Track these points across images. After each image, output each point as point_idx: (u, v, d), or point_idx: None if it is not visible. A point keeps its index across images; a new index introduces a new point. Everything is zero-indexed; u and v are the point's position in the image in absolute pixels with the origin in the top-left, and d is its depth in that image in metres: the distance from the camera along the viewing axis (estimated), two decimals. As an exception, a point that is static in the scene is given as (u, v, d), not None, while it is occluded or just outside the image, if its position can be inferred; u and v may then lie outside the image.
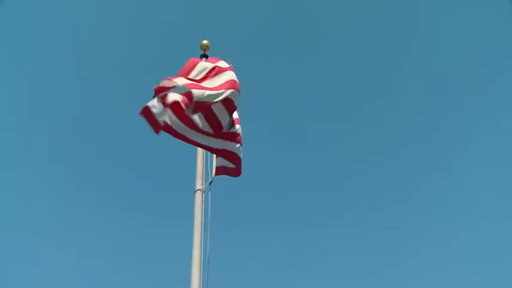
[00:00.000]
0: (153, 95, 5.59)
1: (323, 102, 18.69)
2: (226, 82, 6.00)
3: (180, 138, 5.94)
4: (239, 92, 6.11)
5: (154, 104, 5.45)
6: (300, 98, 18.57)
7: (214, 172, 6.46)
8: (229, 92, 5.95)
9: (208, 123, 6.13)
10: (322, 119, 18.32)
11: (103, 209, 16.18)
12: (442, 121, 17.23)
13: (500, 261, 13.85)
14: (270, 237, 16.16)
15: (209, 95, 5.80)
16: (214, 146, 6.26)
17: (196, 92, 5.70)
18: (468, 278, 14.08)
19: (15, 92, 15.82)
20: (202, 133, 6.10)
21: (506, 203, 14.77)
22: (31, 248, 14.23)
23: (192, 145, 6.13)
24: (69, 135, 16.71)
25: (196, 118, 6.01)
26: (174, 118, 5.78)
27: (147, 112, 5.42)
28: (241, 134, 6.50)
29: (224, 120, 6.15)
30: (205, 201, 6.04)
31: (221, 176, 6.59)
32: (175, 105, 5.62)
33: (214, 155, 6.55)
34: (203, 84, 5.93)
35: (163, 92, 5.59)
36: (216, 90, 5.87)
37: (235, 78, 6.09)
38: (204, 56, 6.64)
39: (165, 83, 5.62)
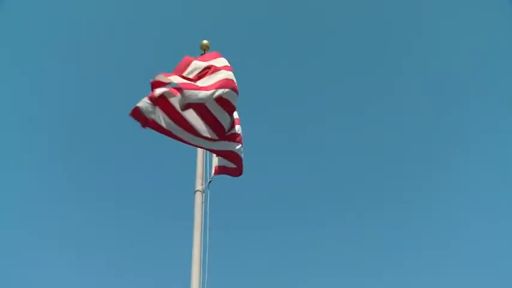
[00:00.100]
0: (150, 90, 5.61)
1: (323, 102, 18.71)
2: (219, 81, 5.90)
3: (169, 136, 5.88)
4: (236, 91, 6.04)
5: (143, 101, 5.48)
6: (299, 98, 18.59)
7: (213, 172, 6.46)
8: (221, 91, 5.86)
9: (209, 127, 6.07)
10: (322, 119, 18.35)
11: (103, 209, 16.20)
12: (442, 121, 17.25)
13: (500, 261, 13.87)
14: (270, 237, 16.19)
15: (201, 98, 5.77)
16: (216, 148, 6.25)
17: (189, 93, 5.67)
18: (468, 278, 14.10)
19: (15, 92, 15.84)
20: (203, 138, 6.07)
21: (506, 203, 14.79)
22: (31, 248, 14.25)
23: (185, 144, 6.09)
24: (69, 135, 16.73)
25: (193, 119, 5.96)
26: (167, 119, 5.76)
27: (136, 112, 5.45)
28: (241, 135, 6.50)
29: (225, 122, 6.13)
30: (205, 201, 6.04)
31: (221, 176, 6.59)
32: (163, 103, 5.58)
33: (214, 155, 6.56)
34: (197, 83, 5.86)
35: (159, 87, 5.60)
36: (208, 90, 5.79)
37: (230, 77, 6.01)
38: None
39: (161, 78, 5.62)
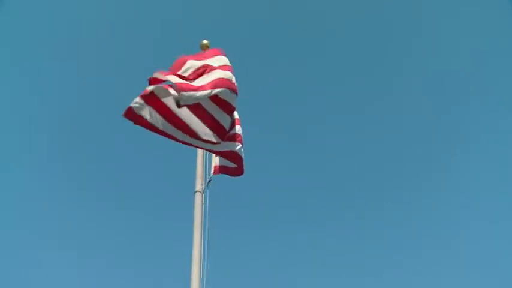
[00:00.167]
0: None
1: (323, 102, 18.72)
2: (214, 80, 5.82)
3: (164, 135, 5.79)
4: (233, 90, 6.01)
5: (135, 101, 5.43)
6: (299, 98, 18.60)
7: (212, 171, 6.46)
8: (216, 90, 5.81)
9: (211, 129, 6.01)
10: (322, 119, 18.35)
11: (103, 209, 16.21)
12: (442, 121, 17.25)
13: (500, 261, 13.87)
14: (270, 237, 16.19)
15: (197, 97, 5.72)
16: (217, 149, 6.24)
17: (186, 95, 5.63)
18: (468, 278, 14.10)
19: (15, 92, 15.84)
20: (204, 141, 6.05)
21: (506, 203, 14.78)
22: (31, 248, 14.25)
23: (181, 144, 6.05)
24: (69, 135, 16.74)
25: (191, 121, 5.89)
26: (162, 119, 5.68)
27: (130, 112, 5.42)
28: (241, 135, 6.48)
29: (225, 122, 6.12)
30: (204, 201, 6.05)
31: (221, 176, 6.60)
32: (156, 102, 5.54)
33: (213, 154, 6.55)
34: (193, 83, 5.77)
35: (156, 84, 5.58)
36: (204, 89, 5.70)
37: (226, 76, 5.94)
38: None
39: (159, 76, 5.61)
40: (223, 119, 6.10)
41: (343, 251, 15.70)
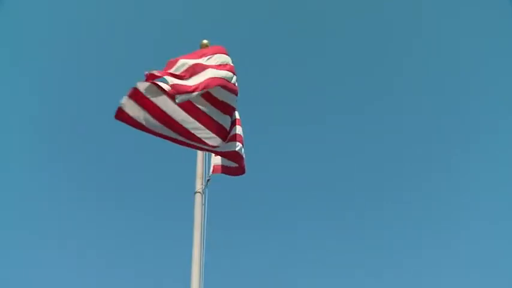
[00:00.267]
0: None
1: (323, 102, 18.72)
2: (206, 80, 5.75)
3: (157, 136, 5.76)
4: (230, 90, 5.98)
5: (124, 102, 5.41)
6: (299, 98, 18.60)
7: (211, 170, 6.45)
8: (208, 89, 5.80)
9: (212, 131, 5.98)
10: (322, 118, 18.35)
11: (103, 209, 16.21)
12: (442, 121, 17.25)
13: (500, 261, 13.87)
14: (270, 237, 16.18)
15: (192, 98, 5.72)
16: (217, 150, 6.23)
17: (179, 97, 5.61)
18: (468, 278, 14.09)
19: (15, 92, 15.84)
20: (205, 145, 6.03)
21: (506, 203, 14.78)
22: (31, 248, 14.24)
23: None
24: (69, 135, 16.73)
25: (191, 124, 5.88)
26: (153, 120, 5.62)
27: (121, 114, 5.41)
28: (242, 136, 6.47)
29: (225, 123, 6.11)
30: (204, 201, 6.05)
31: (221, 176, 6.60)
32: (147, 103, 5.49)
33: (213, 154, 6.55)
34: (187, 82, 5.70)
35: (153, 79, 5.55)
36: (197, 91, 5.64)
37: (219, 75, 5.89)
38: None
39: (156, 73, 5.61)
40: (223, 120, 6.09)
41: (343, 251, 15.71)
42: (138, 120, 5.51)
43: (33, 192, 15.51)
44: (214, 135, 6.01)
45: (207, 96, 5.94)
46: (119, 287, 14.22)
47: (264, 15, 18.70)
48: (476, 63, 16.95)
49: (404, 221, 16.42)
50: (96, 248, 14.99)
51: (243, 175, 6.61)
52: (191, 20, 17.87)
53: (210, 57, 6.10)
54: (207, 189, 6.12)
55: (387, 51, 18.14)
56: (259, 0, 19.10)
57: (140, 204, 16.49)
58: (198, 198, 6.00)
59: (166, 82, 5.54)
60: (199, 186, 6.08)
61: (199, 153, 6.34)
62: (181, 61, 5.81)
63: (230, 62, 6.20)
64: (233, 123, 6.30)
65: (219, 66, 6.03)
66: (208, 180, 6.20)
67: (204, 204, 6.01)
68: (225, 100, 6.05)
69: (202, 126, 5.93)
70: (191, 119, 5.85)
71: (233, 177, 6.67)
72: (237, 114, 6.44)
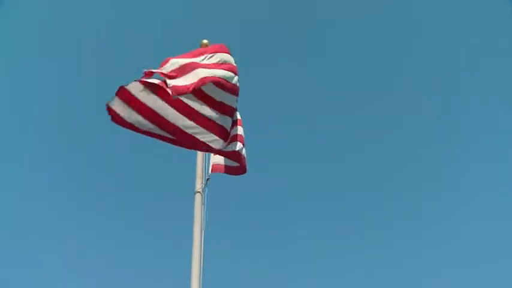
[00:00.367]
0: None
1: (322, 102, 18.71)
2: (197, 81, 5.68)
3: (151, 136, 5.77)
4: (227, 89, 5.94)
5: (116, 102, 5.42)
6: (299, 98, 18.58)
7: (211, 169, 6.44)
8: (204, 88, 5.78)
9: (215, 134, 5.98)
10: (321, 119, 18.35)
11: (103, 209, 16.21)
12: (442, 121, 17.25)
13: (500, 261, 13.87)
14: (270, 237, 16.19)
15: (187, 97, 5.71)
16: (220, 151, 6.22)
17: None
18: (468, 278, 14.09)
19: (15, 92, 15.83)
20: (209, 148, 6.01)
21: (506, 203, 14.78)
22: (31, 248, 14.24)
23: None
24: (69, 135, 16.72)
25: (193, 129, 5.86)
26: (143, 120, 5.61)
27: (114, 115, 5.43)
28: (243, 136, 6.44)
29: (226, 124, 6.10)
30: (204, 200, 6.05)
31: (221, 176, 6.60)
32: (133, 101, 5.47)
33: (212, 154, 6.54)
34: (174, 82, 5.64)
35: (150, 76, 5.53)
36: (183, 90, 5.58)
37: (210, 74, 5.79)
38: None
39: (153, 70, 5.61)
40: (223, 121, 6.07)
41: (343, 251, 15.71)
42: (129, 121, 5.52)
43: (33, 192, 15.53)
44: (217, 137, 6.00)
45: (203, 96, 5.90)
46: (119, 287, 14.24)
47: (264, 15, 18.71)
48: (476, 63, 16.96)
49: (404, 221, 16.43)
50: (96, 248, 15.01)
51: (244, 174, 6.61)
52: (191, 20, 17.89)
53: (212, 56, 6.05)
54: (206, 189, 6.12)
55: (387, 51, 18.16)
56: (259, 0, 19.13)
57: (140, 204, 16.51)
58: (198, 198, 6.00)
59: (161, 79, 5.54)
60: (199, 186, 6.07)
61: (199, 153, 6.33)
62: (171, 61, 5.76)
63: (232, 62, 6.15)
64: (234, 123, 6.29)
65: (219, 65, 5.99)
66: (207, 179, 6.20)
67: (204, 204, 6.01)
68: (222, 100, 6.01)
69: (205, 130, 5.91)
70: (193, 124, 5.84)
71: (233, 177, 6.68)
72: (238, 115, 6.42)
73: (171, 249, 14.28)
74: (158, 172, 16.61)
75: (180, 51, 6.07)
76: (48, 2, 16.23)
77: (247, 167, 6.61)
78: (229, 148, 6.21)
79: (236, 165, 6.52)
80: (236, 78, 6.10)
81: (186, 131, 5.83)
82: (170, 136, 5.80)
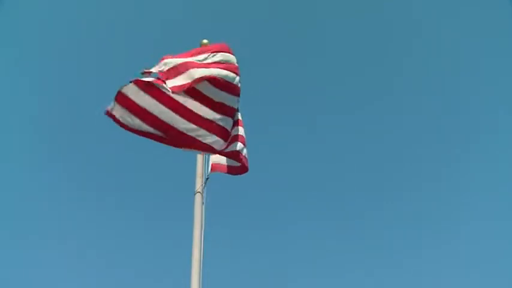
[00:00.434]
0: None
1: (322, 102, 18.72)
2: (192, 81, 5.70)
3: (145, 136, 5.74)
4: (225, 89, 5.91)
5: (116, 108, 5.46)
6: (299, 98, 18.59)
7: (210, 169, 6.42)
8: (202, 89, 5.77)
9: (217, 135, 5.94)
10: (321, 119, 18.35)
11: (103, 209, 16.21)
12: (442, 121, 17.25)
13: (500, 261, 13.87)
14: (269, 237, 16.19)
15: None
16: (222, 152, 6.21)
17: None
18: (468, 278, 14.09)
19: (15, 92, 15.84)
20: (212, 149, 6.01)
21: (506, 203, 14.78)
22: (31, 248, 14.24)
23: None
24: (69, 135, 16.73)
25: (195, 132, 5.83)
26: (139, 122, 5.61)
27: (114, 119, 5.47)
28: (244, 137, 6.42)
29: (227, 125, 6.10)
30: (204, 200, 6.05)
31: (221, 176, 6.59)
32: (129, 104, 5.48)
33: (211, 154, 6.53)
34: (169, 83, 5.67)
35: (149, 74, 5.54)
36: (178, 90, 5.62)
37: (206, 74, 5.79)
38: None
39: (150, 70, 5.61)
40: (224, 122, 6.05)
41: (343, 251, 15.71)
42: (130, 126, 5.55)
43: (33, 192, 15.53)
44: (218, 138, 5.98)
45: (202, 98, 5.86)
46: (119, 287, 14.23)
47: (264, 15, 18.71)
48: (476, 63, 16.96)
49: (404, 221, 16.43)
50: (96, 248, 15.01)
51: (243, 174, 6.60)
52: (191, 20, 17.89)
53: (213, 55, 6.01)
54: (205, 189, 6.11)
55: (387, 51, 18.16)
56: (259, 0, 19.13)
57: (140, 204, 16.51)
58: (198, 198, 5.99)
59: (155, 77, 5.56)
60: (199, 186, 6.07)
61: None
62: (165, 61, 5.77)
63: (233, 61, 6.09)
64: (235, 124, 6.27)
65: (218, 65, 5.96)
66: (206, 179, 6.19)
67: (204, 204, 6.01)
68: (222, 101, 5.97)
69: (206, 132, 5.88)
70: (194, 126, 5.81)
71: (233, 177, 6.67)
72: (239, 115, 6.39)
73: (171, 249, 14.30)
74: (158, 172, 16.62)
75: (180, 51, 6.07)
76: (48, 2, 16.25)
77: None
78: (230, 148, 6.20)
79: (237, 165, 6.50)
80: (237, 78, 6.07)
81: (188, 133, 5.82)
82: (171, 139, 5.79)
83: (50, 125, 16.53)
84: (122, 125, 5.55)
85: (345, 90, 18.45)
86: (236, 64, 6.12)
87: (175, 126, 5.74)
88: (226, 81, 5.95)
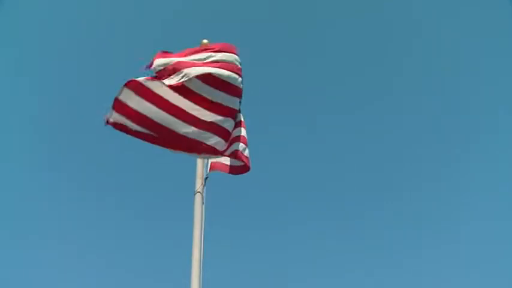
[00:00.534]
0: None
1: (322, 102, 18.72)
2: (188, 79, 5.67)
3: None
4: (224, 91, 5.89)
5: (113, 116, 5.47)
6: (299, 98, 18.59)
7: (209, 168, 6.42)
8: (203, 93, 5.77)
9: (220, 136, 5.95)
10: (321, 119, 18.35)
11: (103, 209, 16.22)
12: (442, 121, 17.25)
13: (500, 261, 13.87)
14: (269, 237, 16.19)
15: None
16: (225, 154, 6.20)
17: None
18: (468, 278, 14.09)
19: (15, 92, 15.84)
20: (215, 153, 6.00)
21: (506, 203, 14.78)
22: (31, 248, 14.25)
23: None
24: (69, 135, 16.73)
25: (195, 133, 5.83)
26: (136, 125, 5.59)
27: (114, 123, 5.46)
28: (246, 137, 6.40)
29: (229, 126, 6.09)
30: (204, 200, 6.05)
31: (221, 176, 6.59)
32: (126, 110, 5.48)
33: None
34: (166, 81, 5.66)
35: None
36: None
37: (199, 72, 5.72)
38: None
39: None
40: (227, 124, 6.04)
41: (343, 251, 15.72)
42: (131, 130, 5.54)
43: (33, 192, 15.54)
44: (220, 139, 5.98)
45: (200, 100, 5.83)
46: (119, 287, 14.24)
47: (264, 15, 18.71)
48: (476, 63, 16.96)
49: (404, 221, 16.43)
50: (96, 248, 15.01)
51: (243, 174, 6.60)
52: (191, 20, 17.89)
53: (215, 54, 5.96)
54: (205, 188, 6.11)
55: (387, 51, 18.16)
56: (259, 0, 19.13)
57: (140, 204, 16.52)
58: (198, 198, 6.00)
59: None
60: (199, 186, 6.07)
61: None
62: (160, 60, 5.71)
63: (237, 62, 6.06)
64: (237, 125, 6.25)
65: (220, 64, 5.92)
66: (206, 178, 6.18)
67: (204, 204, 6.00)
68: (220, 102, 5.94)
69: (208, 133, 5.87)
70: (195, 129, 5.80)
71: (233, 177, 6.66)
72: (241, 117, 6.36)
73: (171, 249, 14.30)
74: (158, 172, 16.61)
75: (180, 51, 6.05)
76: (48, 2, 16.25)
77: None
78: (232, 149, 6.19)
79: (239, 164, 6.47)
80: (240, 79, 6.03)
81: (190, 137, 5.80)
82: (172, 143, 5.78)
83: (50, 125, 16.56)
84: (124, 129, 5.53)
85: (345, 90, 18.47)
86: (239, 65, 6.08)
87: (176, 130, 5.73)
88: (226, 81, 5.92)
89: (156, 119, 5.60)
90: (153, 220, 16.36)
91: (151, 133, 5.63)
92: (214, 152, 5.98)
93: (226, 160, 6.51)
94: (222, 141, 6.00)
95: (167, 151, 5.87)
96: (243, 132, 6.31)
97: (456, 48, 17.04)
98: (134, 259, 15.23)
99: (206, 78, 5.80)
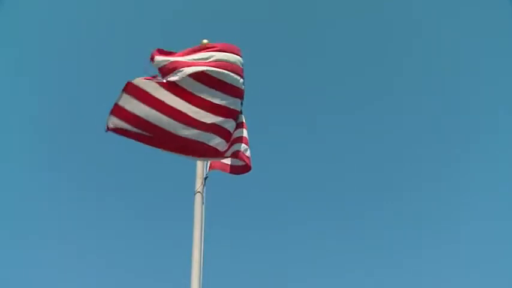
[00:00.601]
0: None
1: (322, 102, 18.72)
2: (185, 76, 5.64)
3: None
4: (217, 88, 5.87)
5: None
6: (299, 98, 18.58)
7: (208, 167, 6.42)
8: (202, 95, 5.76)
9: (221, 137, 5.95)
10: (321, 119, 18.35)
11: (103, 209, 16.21)
12: (442, 121, 17.25)
13: (500, 261, 13.86)
14: (270, 237, 16.19)
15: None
16: (226, 155, 6.20)
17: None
18: (468, 278, 14.09)
19: (15, 92, 15.84)
20: (217, 154, 6.00)
21: (506, 203, 14.78)
22: (31, 248, 14.24)
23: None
24: (69, 136, 16.73)
25: (195, 135, 5.82)
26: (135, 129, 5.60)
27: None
28: (248, 138, 6.37)
29: (231, 127, 6.08)
30: (204, 200, 6.05)
31: (221, 176, 6.59)
32: (123, 114, 5.48)
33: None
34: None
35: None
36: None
37: (196, 70, 5.70)
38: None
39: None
40: (228, 125, 6.03)
41: (343, 251, 15.71)
42: (131, 133, 5.54)
43: (33, 192, 15.54)
44: (222, 139, 5.97)
45: (199, 101, 5.82)
46: (119, 287, 14.23)
47: (264, 15, 18.70)
48: (476, 63, 16.95)
49: (404, 221, 16.42)
50: (96, 248, 15.01)
51: (243, 174, 6.60)
52: (191, 20, 17.88)
53: (216, 54, 5.93)
54: (205, 188, 6.11)
55: (387, 51, 18.16)
56: (259, 0, 19.12)
57: (140, 204, 16.51)
58: (198, 198, 6.00)
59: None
60: (199, 186, 6.07)
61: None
62: (157, 59, 5.66)
63: (238, 63, 6.03)
64: (238, 126, 6.24)
65: (221, 64, 5.89)
66: (205, 178, 6.17)
67: (204, 204, 6.00)
68: (219, 102, 5.92)
69: (209, 134, 5.87)
70: (195, 130, 5.78)
71: (233, 176, 6.66)
72: (243, 118, 6.34)
73: (171, 249, 14.29)
74: (158, 172, 16.60)
75: (180, 51, 6.05)
76: (48, 2, 16.25)
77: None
78: (233, 149, 6.18)
79: (240, 164, 6.46)
80: (241, 81, 6.01)
81: (190, 138, 5.79)
82: (173, 145, 5.77)
83: (50, 125, 16.56)
84: (125, 133, 5.53)
85: (345, 90, 18.47)
86: (241, 66, 6.05)
87: (177, 132, 5.72)
88: (223, 80, 5.89)
89: (155, 122, 5.60)
90: (153, 220, 16.37)
91: (152, 136, 5.62)
92: (216, 153, 5.96)
93: (227, 159, 6.50)
94: (224, 141, 5.99)
95: (167, 153, 5.85)
96: (245, 133, 6.29)
97: (456, 48, 17.06)
98: (134, 259, 15.24)
99: (202, 78, 5.76)
